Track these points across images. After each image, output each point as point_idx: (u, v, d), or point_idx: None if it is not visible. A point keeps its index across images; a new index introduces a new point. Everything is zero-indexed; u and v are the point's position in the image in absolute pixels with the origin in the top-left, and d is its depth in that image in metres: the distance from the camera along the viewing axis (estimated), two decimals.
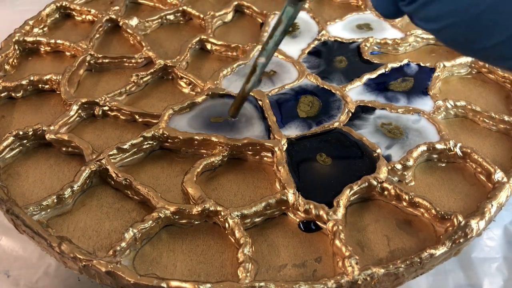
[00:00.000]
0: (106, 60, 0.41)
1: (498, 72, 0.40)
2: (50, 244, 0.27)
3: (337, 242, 0.28)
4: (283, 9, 0.29)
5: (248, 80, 0.32)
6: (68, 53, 0.43)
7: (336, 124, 0.35)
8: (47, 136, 0.34)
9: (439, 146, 0.33)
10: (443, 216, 0.29)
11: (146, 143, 0.34)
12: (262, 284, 0.26)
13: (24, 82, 0.38)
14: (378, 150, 0.33)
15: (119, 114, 0.37)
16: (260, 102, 0.37)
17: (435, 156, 0.34)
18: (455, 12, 0.20)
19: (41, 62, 0.42)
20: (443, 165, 0.34)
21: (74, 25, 0.47)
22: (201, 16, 0.46)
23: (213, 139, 0.33)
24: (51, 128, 0.34)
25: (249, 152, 0.34)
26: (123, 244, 0.27)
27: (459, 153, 0.33)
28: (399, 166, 0.32)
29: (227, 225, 0.29)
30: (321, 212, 0.29)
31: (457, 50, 0.22)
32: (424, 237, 0.29)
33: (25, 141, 0.34)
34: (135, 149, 0.34)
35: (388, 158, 0.33)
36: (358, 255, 0.27)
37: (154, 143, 0.34)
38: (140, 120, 0.36)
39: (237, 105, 0.34)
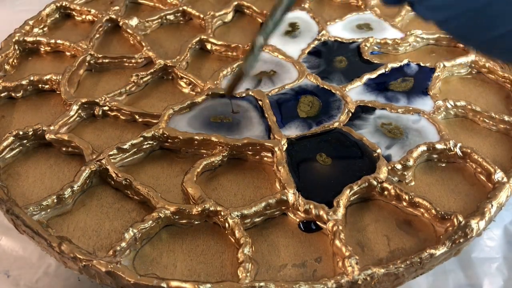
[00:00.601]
0: (106, 60, 0.41)
1: (498, 72, 0.39)
2: (50, 244, 0.27)
3: (337, 242, 0.28)
4: None
5: (246, 59, 0.31)
6: (68, 53, 0.43)
7: (336, 124, 0.35)
8: (47, 136, 0.34)
9: (439, 146, 0.33)
10: (443, 216, 0.29)
11: (146, 143, 0.34)
12: (262, 284, 0.26)
13: (24, 82, 0.38)
14: (378, 150, 0.33)
15: (119, 114, 0.37)
16: (260, 102, 0.37)
17: (435, 156, 0.34)
18: (463, 1, 0.19)
19: (41, 62, 0.42)
20: (443, 165, 0.34)
21: (74, 25, 0.47)
22: (201, 16, 0.46)
23: (213, 139, 0.33)
24: (51, 128, 0.34)
25: (249, 152, 0.34)
26: (123, 244, 0.27)
27: (459, 153, 0.33)
28: (399, 166, 0.32)
29: (227, 225, 0.29)
30: (321, 212, 0.29)
31: (461, 41, 0.21)
32: (424, 237, 0.29)
33: (25, 141, 0.34)
34: (135, 149, 0.34)
35: (388, 158, 0.33)
36: (358, 255, 0.27)
37: (154, 143, 0.34)
38: (140, 120, 0.36)
39: (234, 84, 0.33)
